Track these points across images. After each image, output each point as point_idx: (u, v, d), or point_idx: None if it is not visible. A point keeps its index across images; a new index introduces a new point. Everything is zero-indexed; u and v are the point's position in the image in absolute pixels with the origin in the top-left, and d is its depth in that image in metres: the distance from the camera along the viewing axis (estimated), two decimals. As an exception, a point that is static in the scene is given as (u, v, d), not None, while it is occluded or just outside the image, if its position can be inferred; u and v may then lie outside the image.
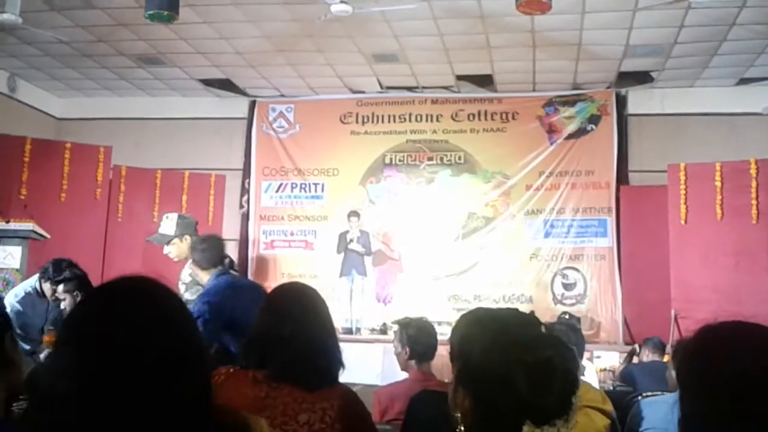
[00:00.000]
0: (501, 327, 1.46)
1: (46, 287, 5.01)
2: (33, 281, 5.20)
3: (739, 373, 1.35)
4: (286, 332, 2.14)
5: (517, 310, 1.62)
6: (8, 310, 5.04)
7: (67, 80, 9.73)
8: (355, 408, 2.16)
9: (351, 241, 9.25)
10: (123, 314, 1.23)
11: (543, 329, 1.48)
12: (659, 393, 3.99)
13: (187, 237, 4.69)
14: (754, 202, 7.52)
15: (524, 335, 1.43)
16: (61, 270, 5.03)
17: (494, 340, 1.41)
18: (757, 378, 1.34)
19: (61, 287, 4.92)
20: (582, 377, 3.95)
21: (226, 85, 9.70)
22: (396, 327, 3.83)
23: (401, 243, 9.71)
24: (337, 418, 2.05)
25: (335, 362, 2.25)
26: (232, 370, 2.15)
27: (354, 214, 9.41)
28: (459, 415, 1.43)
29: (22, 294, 5.15)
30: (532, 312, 1.61)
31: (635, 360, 6.98)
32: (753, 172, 7.56)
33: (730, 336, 1.44)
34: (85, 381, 1.17)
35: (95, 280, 7.60)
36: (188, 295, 4.40)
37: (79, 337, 1.22)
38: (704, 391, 1.37)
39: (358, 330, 8.91)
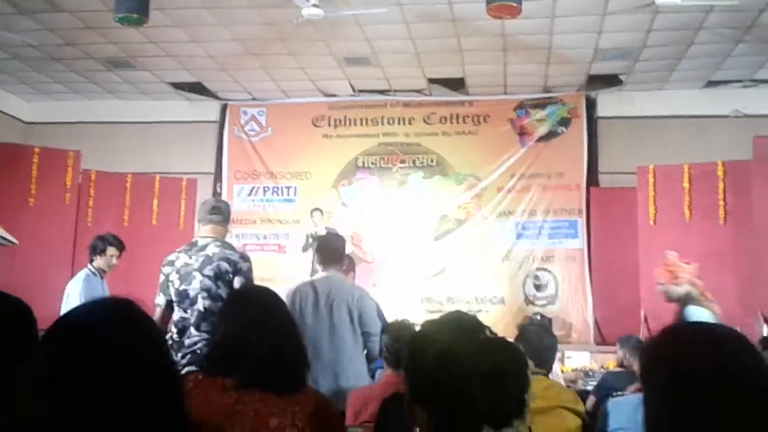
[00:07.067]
0: (449, 339, 1.46)
1: (107, 259, 5.80)
2: (84, 270, 5.83)
3: (699, 373, 1.37)
4: (251, 337, 2.13)
5: (460, 316, 1.62)
6: (75, 302, 5.40)
7: (35, 84, 9.61)
8: (325, 413, 2.17)
9: (315, 236, 9.30)
10: (101, 337, 1.22)
11: (488, 332, 1.49)
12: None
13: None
14: (721, 203, 7.64)
15: (473, 343, 1.44)
16: (108, 237, 5.91)
17: (444, 352, 1.42)
18: (716, 377, 1.37)
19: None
20: (554, 377, 4.01)
21: (197, 88, 9.64)
22: None
23: (374, 245, 9.72)
24: (308, 422, 2.05)
25: (302, 365, 2.25)
26: (201, 377, 2.14)
27: (317, 210, 9.46)
28: (418, 430, 1.44)
29: (84, 278, 5.72)
30: (475, 316, 1.62)
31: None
32: (720, 173, 7.68)
33: (690, 337, 1.47)
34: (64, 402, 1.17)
35: (64, 286, 7.57)
36: None
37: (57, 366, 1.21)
38: (665, 391, 1.40)
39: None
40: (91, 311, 1.30)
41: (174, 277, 4.22)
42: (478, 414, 1.36)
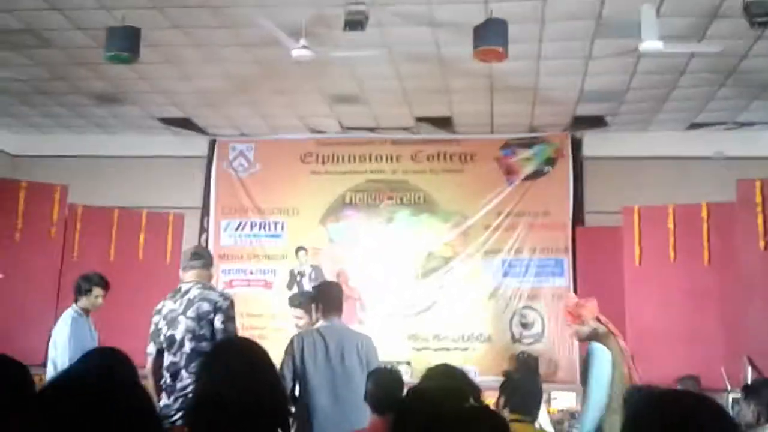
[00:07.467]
0: (434, 407, 1.51)
1: (91, 299, 5.70)
2: (69, 311, 5.71)
3: None
4: (233, 392, 2.14)
5: (446, 383, 1.68)
6: (63, 344, 5.45)
7: (23, 117, 9.62)
8: None
9: (301, 275, 9.29)
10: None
11: (472, 400, 1.56)
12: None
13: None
14: (705, 244, 7.71)
15: (457, 411, 1.48)
16: (94, 277, 5.79)
17: (430, 422, 1.47)
18: None
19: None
20: (542, 421, 4.05)
21: (185, 123, 9.67)
22: None
23: (361, 282, 9.71)
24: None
25: (284, 415, 2.27)
26: (185, 430, 2.13)
27: (302, 249, 9.51)
28: None
29: (70, 322, 5.58)
30: (461, 382, 1.68)
31: None
32: (704, 215, 7.77)
33: (665, 407, 1.57)
34: None
35: (49, 321, 7.53)
36: None
37: None
38: None
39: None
40: (79, 378, 1.32)
41: (162, 324, 4.36)
42: None
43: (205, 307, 4.31)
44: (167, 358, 4.30)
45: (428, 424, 1.47)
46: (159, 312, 4.45)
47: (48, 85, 8.38)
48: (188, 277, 4.51)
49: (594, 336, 5.14)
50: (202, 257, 4.63)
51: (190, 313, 4.31)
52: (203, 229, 10.04)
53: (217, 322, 4.28)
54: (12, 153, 10.28)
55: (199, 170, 10.16)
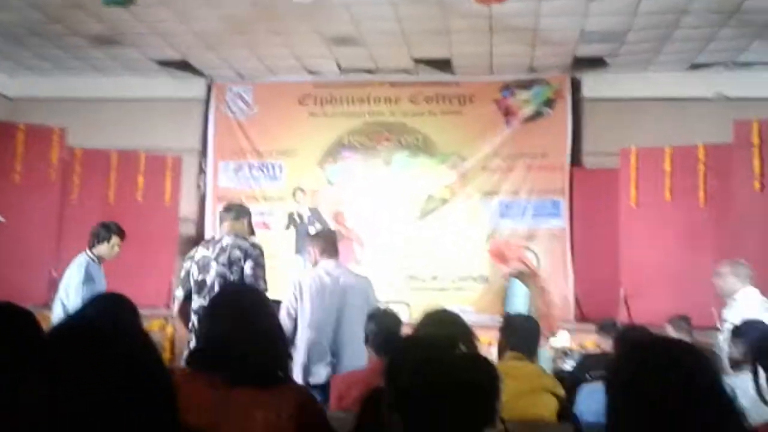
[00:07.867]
0: (426, 354, 1.56)
1: (109, 247, 5.73)
2: (83, 256, 5.72)
3: (659, 392, 1.50)
4: (240, 336, 2.22)
5: (438, 331, 1.73)
6: (76, 288, 5.54)
7: (20, 59, 9.53)
8: (311, 408, 2.25)
9: (300, 217, 9.39)
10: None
11: (463, 347, 1.61)
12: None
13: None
14: (701, 185, 7.76)
15: (448, 358, 1.54)
16: (113, 225, 5.85)
17: (421, 368, 1.52)
18: (676, 396, 1.49)
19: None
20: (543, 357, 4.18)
21: (183, 65, 9.59)
22: None
23: (359, 224, 9.79)
24: (294, 415, 2.13)
25: (284, 359, 2.35)
26: (187, 372, 2.21)
27: (299, 189, 9.57)
28: None
29: (84, 267, 5.63)
30: (453, 333, 1.73)
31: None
32: (701, 156, 7.80)
33: (652, 357, 1.60)
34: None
35: (50, 263, 7.61)
36: None
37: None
38: (628, 407, 1.51)
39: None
40: (88, 318, 1.37)
41: (193, 269, 4.59)
42: (451, 425, 1.44)
43: (237, 254, 4.56)
44: (196, 301, 4.51)
45: (418, 371, 1.52)
46: (191, 258, 4.71)
47: (44, 27, 8.28)
48: (222, 228, 4.82)
49: (518, 275, 5.85)
50: (232, 210, 4.91)
51: (222, 259, 4.55)
52: (202, 171, 10.06)
53: (247, 268, 4.53)
54: (10, 96, 10.22)
55: (197, 112, 10.13)
